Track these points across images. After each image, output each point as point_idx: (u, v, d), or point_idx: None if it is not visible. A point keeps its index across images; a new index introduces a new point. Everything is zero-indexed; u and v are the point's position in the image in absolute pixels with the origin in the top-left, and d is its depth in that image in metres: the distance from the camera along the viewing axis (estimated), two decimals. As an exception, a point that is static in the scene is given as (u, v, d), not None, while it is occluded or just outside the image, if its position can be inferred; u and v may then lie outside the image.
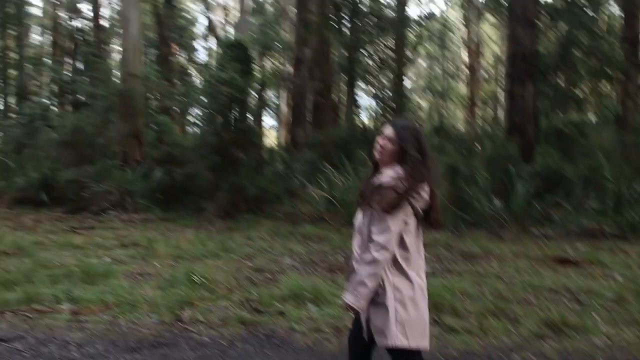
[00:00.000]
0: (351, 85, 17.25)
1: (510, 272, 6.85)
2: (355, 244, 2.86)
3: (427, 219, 2.83)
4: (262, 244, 8.93)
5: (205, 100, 11.76)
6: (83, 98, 19.69)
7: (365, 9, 19.32)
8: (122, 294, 5.98)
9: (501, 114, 31.66)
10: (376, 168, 2.90)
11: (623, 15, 18.77)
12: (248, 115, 11.77)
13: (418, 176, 2.71)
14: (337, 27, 16.80)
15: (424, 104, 30.75)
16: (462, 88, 31.51)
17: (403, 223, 2.71)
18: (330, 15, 17.25)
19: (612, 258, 7.76)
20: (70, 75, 20.05)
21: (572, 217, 10.40)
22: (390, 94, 22.63)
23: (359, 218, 2.87)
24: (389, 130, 2.84)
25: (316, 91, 17.21)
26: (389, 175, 2.74)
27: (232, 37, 14.37)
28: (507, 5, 16.01)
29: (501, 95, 31.78)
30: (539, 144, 14.35)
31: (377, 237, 2.68)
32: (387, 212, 2.65)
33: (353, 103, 18.58)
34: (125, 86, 16.25)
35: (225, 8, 31.93)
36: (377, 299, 2.74)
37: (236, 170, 11.43)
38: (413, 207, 2.72)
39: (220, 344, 4.80)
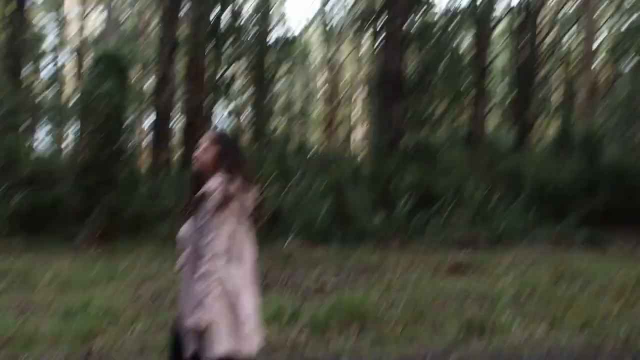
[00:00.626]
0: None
1: (412, 281, 7.11)
2: (182, 256, 2.92)
3: (252, 217, 2.96)
4: (153, 268, 8.46)
5: (77, 117, 10.91)
6: None
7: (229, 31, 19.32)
8: (12, 327, 5.34)
9: (357, 133, 33.07)
10: (198, 179, 2.95)
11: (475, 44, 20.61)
12: (123, 132, 11.06)
13: (240, 177, 2.85)
14: (210, 45, 16.35)
15: (283, 124, 31.15)
16: (321, 109, 32.39)
17: (231, 229, 2.77)
18: (200, 33, 16.93)
19: (493, 263, 8.36)
20: None
21: (445, 229, 11.11)
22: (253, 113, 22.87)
23: (185, 229, 2.93)
24: (208, 141, 2.97)
25: (188, 109, 16.77)
26: (214, 182, 2.80)
27: (102, 50, 13.53)
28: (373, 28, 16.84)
29: (358, 116, 33.21)
30: (404, 161, 15.15)
31: (207, 247, 2.71)
32: (216, 214, 2.72)
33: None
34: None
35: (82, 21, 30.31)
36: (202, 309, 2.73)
37: (111, 190, 10.72)
38: (241, 210, 2.84)
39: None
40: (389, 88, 15.20)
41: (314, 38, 30.03)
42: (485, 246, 10.11)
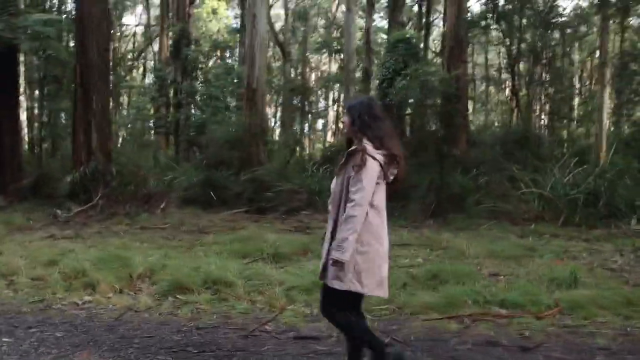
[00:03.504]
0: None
1: None
2: (330, 204, 3.33)
3: (392, 182, 3.27)
4: (539, 243, 8.38)
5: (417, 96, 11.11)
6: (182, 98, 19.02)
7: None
8: (533, 294, 5.40)
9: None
10: (349, 143, 3.33)
11: None
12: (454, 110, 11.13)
13: (380, 140, 3.19)
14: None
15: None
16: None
17: (375, 184, 3.12)
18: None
19: None
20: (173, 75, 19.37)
21: None
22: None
23: (333, 183, 3.32)
24: (345, 108, 3.41)
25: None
26: (356, 145, 3.21)
27: (400, 33, 13.82)
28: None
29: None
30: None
31: (353, 195, 3.10)
32: (359, 169, 3.09)
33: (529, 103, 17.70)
34: (251, 84, 15.70)
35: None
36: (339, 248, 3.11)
37: (441, 167, 10.87)
38: (384, 172, 3.17)
39: None
40: None
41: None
42: None
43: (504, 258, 7.29)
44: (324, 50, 34.50)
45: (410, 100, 12.13)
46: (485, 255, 7.39)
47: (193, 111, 18.13)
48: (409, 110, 12.36)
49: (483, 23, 15.56)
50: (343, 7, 38.07)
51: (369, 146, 3.15)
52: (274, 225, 10.20)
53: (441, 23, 30.25)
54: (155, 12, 36.65)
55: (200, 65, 20.18)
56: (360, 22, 30.02)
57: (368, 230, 3.14)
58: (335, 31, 35.64)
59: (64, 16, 16.97)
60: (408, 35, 12.83)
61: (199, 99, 18.09)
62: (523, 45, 14.66)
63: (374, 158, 3.13)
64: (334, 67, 38.55)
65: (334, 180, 3.31)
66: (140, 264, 6.46)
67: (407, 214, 10.93)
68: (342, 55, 34.63)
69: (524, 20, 13.90)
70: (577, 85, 28.89)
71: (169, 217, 11.30)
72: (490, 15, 14.63)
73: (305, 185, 11.73)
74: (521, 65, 16.00)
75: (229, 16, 37.33)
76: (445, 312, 5.04)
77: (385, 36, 34.44)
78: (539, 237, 9.07)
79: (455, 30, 16.03)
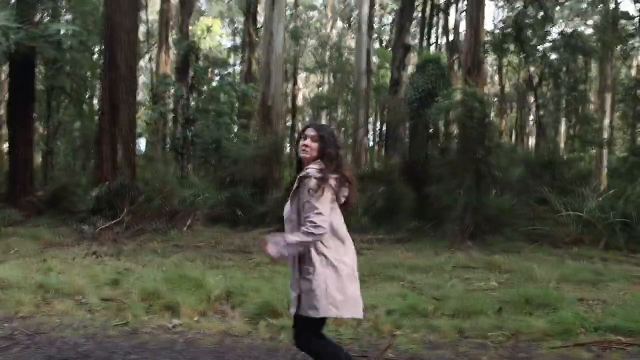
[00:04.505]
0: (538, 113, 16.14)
1: None
2: (287, 230, 3.18)
3: (344, 204, 3.20)
4: (598, 267, 8.27)
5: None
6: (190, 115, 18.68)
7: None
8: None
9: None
10: (300, 166, 3.26)
11: None
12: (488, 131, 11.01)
13: (335, 167, 3.12)
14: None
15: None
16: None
17: (330, 208, 3.05)
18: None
19: None
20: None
21: None
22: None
23: (286, 208, 3.19)
24: (312, 132, 3.21)
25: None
26: (312, 167, 3.12)
27: (429, 54, 13.80)
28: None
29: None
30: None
31: (313, 218, 3.00)
32: (313, 196, 3.01)
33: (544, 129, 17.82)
34: (267, 102, 15.51)
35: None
36: (308, 277, 3.06)
37: (478, 188, 10.75)
38: (336, 194, 3.11)
39: None
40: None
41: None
42: None
43: (577, 282, 7.15)
44: (317, 69, 34.37)
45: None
46: (556, 279, 7.23)
47: (203, 128, 17.78)
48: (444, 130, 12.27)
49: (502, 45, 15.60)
50: (335, 30, 38.52)
51: (320, 170, 3.09)
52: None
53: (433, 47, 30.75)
54: (144, 28, 36.53)
55: (206, 82, 19.85)
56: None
57: (331, 253, 3.09)
58: (329, 51, 35.76)
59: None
60: (436, 56, 12.75)
61: (211, 115, 17.75)
62: (545, 69, 14.75)
63: (327, 183, 3.07)
64: (326, 87, 38.71)
65: (286, 207, 3.19)
66: (216, 285, 6.15)
67: (443, 235, 10.78)
68: (338, 75, 34.76)
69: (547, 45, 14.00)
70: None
71: (198, 235, 10.97)
72: (511, 38, 14.65)
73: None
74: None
75: (223, 34, 37.35)
76: (563, 338, 4.86)
77: (374, 59, 34.84)
78: (589, 260, 8.98)
79: (472, 53, 16.14)
